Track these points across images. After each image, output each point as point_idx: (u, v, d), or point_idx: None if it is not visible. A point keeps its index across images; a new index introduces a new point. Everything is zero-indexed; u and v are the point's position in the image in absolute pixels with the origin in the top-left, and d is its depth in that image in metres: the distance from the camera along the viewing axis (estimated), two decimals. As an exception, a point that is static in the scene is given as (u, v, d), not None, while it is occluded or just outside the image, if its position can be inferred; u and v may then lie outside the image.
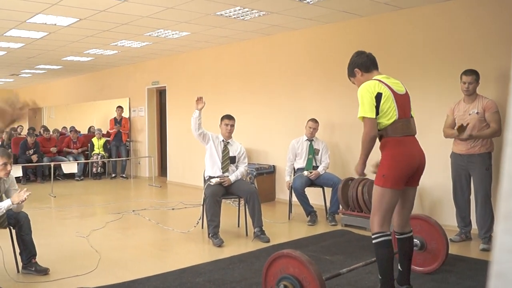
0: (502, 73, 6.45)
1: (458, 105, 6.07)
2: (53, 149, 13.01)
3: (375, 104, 3.79)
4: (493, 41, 6.50)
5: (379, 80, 3.91)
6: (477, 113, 5.86)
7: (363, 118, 3.83)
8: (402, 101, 3.93)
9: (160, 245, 6.38)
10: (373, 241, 3.86)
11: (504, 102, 6.37)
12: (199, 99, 6.45)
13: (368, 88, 3.83)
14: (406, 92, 4.05)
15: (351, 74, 4.16)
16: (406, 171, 3.84)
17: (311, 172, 7.57)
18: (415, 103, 7.15)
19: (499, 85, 6.50)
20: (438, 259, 4.76)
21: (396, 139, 3.82)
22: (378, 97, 3.80)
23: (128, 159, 13.54)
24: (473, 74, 5.89)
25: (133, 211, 8.31)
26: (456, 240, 6.07)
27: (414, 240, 4.60)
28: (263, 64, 9.82)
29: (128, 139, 13.53)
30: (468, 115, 5.92)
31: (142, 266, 5.27)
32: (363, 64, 4.07)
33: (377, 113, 3.83)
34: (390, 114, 3.83)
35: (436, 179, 6.67)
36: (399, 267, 4.17)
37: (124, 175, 13.35)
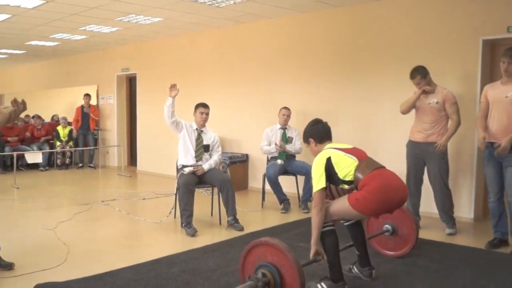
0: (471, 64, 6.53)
1: (424, 96, 6.11)
2: (13, 139, 12.43)
3: (324, 173, 3.89)
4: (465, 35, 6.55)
5: (327, 148, 4.07)
6: (437, 102, 6.03)
7: (314, 194, 3.91)
8: (353, 151, 4.05)
9: (132, 236, 6.26)
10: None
11: (470, 93, 6.49)
12: (173, 86, 6.32)
13: (318, 162, 3.97)
14: (354, 147, 4.15)
15: (305, 141, 4.32)
16: (385, 207, 3.85)
17: (284, 161, 7.53)
18: (391, 93, 7.29)
19: (468, 75, 6.60)
20: (408, 244, 4.92)
21: (371, 175, 3.81)
22: (329, 160, 3.92)
23: (96, 148, 13.28)
24: (417, 74, 6.09)
25: (102, 201, 8.13)
26: None
27: (386, 225, 4.91)
28: (236, 52, 9.70)
29: (96, 128, 13.25)
30: (428, 104, 6.06)
31: (113, 257, 5.14)
32: (317, 134, 4.22)
33: (336, 175, 3.92)
34: (348, 162, 3.92)
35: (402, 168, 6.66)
36: (357, 252, 4.34)
37: (91, 165, 13.11)
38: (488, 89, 5.55)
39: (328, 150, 4.00)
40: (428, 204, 6.56)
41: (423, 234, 5.71)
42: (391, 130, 7.36)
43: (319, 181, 3.87)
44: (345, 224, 4.28)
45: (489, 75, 6.65)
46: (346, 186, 3.95)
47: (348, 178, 3.88)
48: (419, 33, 7.11)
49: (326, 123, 4.25)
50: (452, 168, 6.37)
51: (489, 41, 6.59)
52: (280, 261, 3.43)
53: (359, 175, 3.83)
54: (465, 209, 6.82)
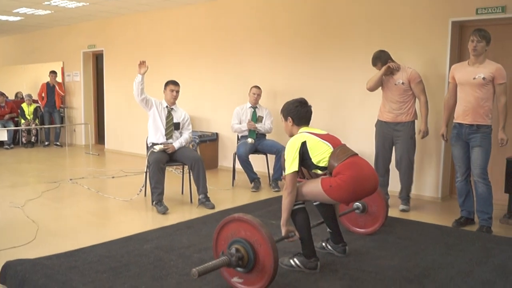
0: (440, 45, 6.61)
1: (391, 75, 6.20)
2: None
3: (298, 156, 3.88)
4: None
5: (302, 132, 4.04)
6: (403, 83, 6.13)
7: (286, 176, 3.92)
8: (327, 137, 4.04)
9: (102, 214, 6.21)
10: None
11: (439, 74, 6.59)
12: (142, 63, 6.25)
13: (292, 144, 3.94)
14: (328, 133, 4.15)
15: (284, 117, 4.21)
16: (357, 195, 3.92)
17: (254, 140, 7.54)
18: (360, 73, 7.35)
19: (437, 56, 6.67)
20: (378, 221, 5.01)
21: (345, 163, 3.84)
22: (304, 144, 3.91)
23: (62, 126, 13.09)
24: (378, 62, 6.23)
25: (71, 179, 8.05)
26: None
27: (357, 203, 4.98)
28: (206, 30, 9.63)
29: (62, 105, 13.05)
30: (394, 85, 6.17)
31: (84, 235, 5.11)
32: (298, 116, 4.12)
33: (310, 160, 3.92)
34: (322, 148, 3.92)
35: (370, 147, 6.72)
36: (328, 229, 4.39)
37: (58, 143, 12.93)
38: (454, 70, 5.62)
39: (303, 134, 3.98)
40: (393, 183, 6.65)
41: (392, 213, 5.84)
42: (360, 110, 7.43)
43: (292, 164, 3.88)
44: (315, 203, 4.31)
45: (458, 57, 6.74)
46: (319, 172, 3.97)
47: (321, 164, 3.90)
48: (389, 14, 7.15)
49: (310, 107, 4.19)
50: (420, 149, 6.48)
51: (457, 22, 6.67)
52: (253, 236, 3.45)
53: (334, 163, 3.85)
54: (432, 189, 6.94)
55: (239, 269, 3.49)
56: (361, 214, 5.05)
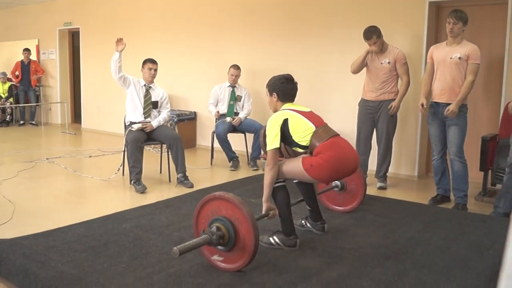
0: (417, 26, 6.65)
1: (371, 55, 6.23)
2: None
3: (279, 133, 3.89)
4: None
5: (285, 109, 4.04)
6: (389, 62, 6.20)
7: (268, 151, 3.93)
8: (310, 115, 4.04)
9: (80, 193, 6.18)
10: None
11: (416, 54, 6.63)
12: (119, 40, 6.19)
13: (275, 121, 3.93)
14: (311, 110, 4.15)
15: (269, 91, 4.18)
16: (338, 174, 3.95)
17: (233, 118, 7.53)
18: (339, 52, 7.37)
19: (414, 37, 6.71)
20: (356, 199, 5.07)
21: (327, 143, 3.86)
22: (285, 122, 3.91)
23: (38, 105, 12.92)
24: (372, 35, 6.16)
25: (47, 159, 7.97)
26: None
27: (335, 181, 4.98)
28: (185, 8, 9.54)
29: (37, 84, 12.87)
30: (380, 64, 6.21)
31: (62, 214, 5.07)
32: (283, 93, 4.10)
33: (291, 137, 3.92)
34: (305, 126, 3.92)
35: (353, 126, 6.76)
36: (308, 207, 4.42)
37: (33, 122, 12.78)
38: (433, 50, 5.67)
39: (286, 111, 3.98)
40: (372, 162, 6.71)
41: (370, 191, 5.93)
42: (339, 88, 7.45)
43: (273, 141, 3.88)
44: (294, 181, 4.33)
45: (435, 37, 6.79)
46: (299, 150, 3.99)
47: (303, 143, 3.91)
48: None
49: (296, 84, 4.17)
50: (397, 127, 6.53)
51: (434, 3, 6.71)
52: (234, 214, 3.46)
53: (315, 142, 3.86)
54: (409, 167, 7.02)
55: (219, 247, 3.50)
56: (339, 192, 5.09)
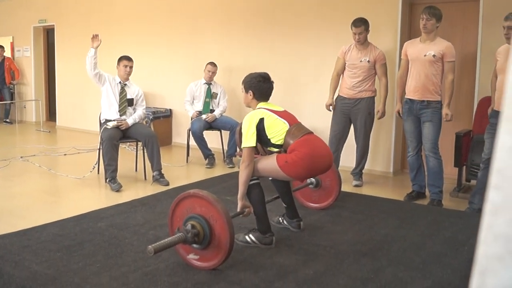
0: (391, 22, 6.69)
1: (350, 51, 6.26)
2: None
3: (255, 132, 3.90)
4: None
5: (261, 108, 4.06)
6: (368, 61, 6.18)
7: (243, 149, 3.93)
8: (285, 114, 4.07)
9: (55, 192, 6.13)
10: None
11: (390, 51, 6.66)
12: (95, 37, 6.14)
13: (251, 119, 3.95)
14: (285, 110, 4.18)
15: (245, 88, 4.18)
16: (312, 172, 3.99)
17: (208, 116, 7.50)
18: (315, 50, 7.39)
19: (388, 33, 6.76)
20: (332, 195, 5.08)
21: (300, 141, 3.88)
22: (261, 121, 3.93)
23: (12, 103, 12.74)
24: (362, 24, 6.13)
25: (21, 157, 7.86)
26: None
27: (310, 178, 4.99)
28: (160, 4, 9.47)
29: (12, 81, 12.69)
30: (359, 62, 6.19)
31: (37, 214, 5.00)
32: (260, 91, 4.12)
33: (266, 137, 3.95)
34: (279, 126, 3.95)
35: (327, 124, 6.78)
36: (284, 204, 4.44)
37: (8, 120, 12.58)
38: (407, 46, 5.70)
39: (262, 110, 4.00)
40: (346, 160, 6.73)
41: (346, 188, 5.96)
42: (314, 86, 7.46)
43: (249, 139, 3.89)
44: (270, 178, 4.34)
45: (408, 34, 6.83)
46: (274, 149, 4.02)
47: (278, 142, 3.94)
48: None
49: (272, 83, 4.20)
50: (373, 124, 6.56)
51: (407, 0, 6.75)
52: (209, 212, 3.45)
53: (289, 140, 3.88)
54: (384, 164, 7.06)
55: (195, 245, 3.49)
56: (314, 189, 5.11)
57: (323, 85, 7.04)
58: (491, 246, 0.62)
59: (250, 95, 4.13)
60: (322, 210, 5.04)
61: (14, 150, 8.63)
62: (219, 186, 5.98)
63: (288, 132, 3.91)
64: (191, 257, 3.55)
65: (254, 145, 3.91)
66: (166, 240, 3.38)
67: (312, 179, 5.03)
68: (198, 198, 3.52)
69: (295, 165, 3.80)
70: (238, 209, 3.96)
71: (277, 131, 3.92)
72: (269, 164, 3.91)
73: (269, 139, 3.94)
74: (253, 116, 3.95)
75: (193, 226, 3.45)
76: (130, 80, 6.59)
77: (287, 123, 3.96)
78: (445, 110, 5.40)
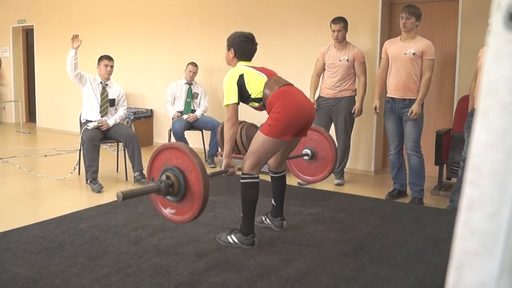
0: (371, 22, 6.72)
1: (329, 51, 6.28)
2: None
3: (237, 88, 3.91)
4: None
5: (239, 66, 4.08)
6: (347, 60, 6.20)
7: (227, 106, 3.94)
8: (263, 69, 4.08)
9: (35, 193, 6.07)
10: (241, 181, 3.98)
11: (370, 50, 6.70)
12: (75, 37, 6.09)
13: (231, 77, 3.97)
14: (263, 66, 4.18)
15: (227, 46, 4.23)
16: (296, 123, 3.90)
17: (189, 116, 7.49)
18: (297, 48, 7.39)
19: (368, 33, 6.80)
20: (327, 167, 4.96)
21: (278, 92, 3.88)
22: (241, 77, 3.93)
23: (-9, 104, 12.63)
24: (341, 21, 6.16)
25: (1, 159, 7.77)
26: (304, 184, 6.24)
27: (306, 150, 4.89)
28: (141, 5, 9.42)
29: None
30: (339, 61, 6.21)
31: (17, 215, 4.95)
32: (242, 51, 4.15)
33: (247, 92, 3.95)
34: (258, 79, 3.95)
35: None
36: (273, 202, 4.43)
37: (-13, 121, 12.49)
38: (387, 45, 5.73)
39: (241, 67, 4.02)
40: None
41: (327, 186, 6.05)
42: (297, 86, 7.44)
43: (232, 96, 3.91)
44: (271, 175, 4.37)
45: (388, 34, 6.87)
46: (256, 104, 4.02)
47: (258, 96, 3.95)
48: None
49: (256, 45, 4.22)
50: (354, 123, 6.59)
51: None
52: (184, 163, 3.35)
53: (267, 91, 3.90)
54: (366, 162, 7.09)
55: (169, 197, 3.43)
56: (310, 162, 5.01)
57: (305, 85, 7.04)
58: (468, 241, 0.62)
59: (232, 53, 4.16)
60: (306, 208, 5.04)
61: (-7, 152, 8.54)
62: (201, 186, 5.95)
63: (266, 84, 3.92)
64: (168, 211, 3.50)
65: (237, 101, 3.93)
66: (139, 188, 3.33)
67: (307, 151, 4.94)
68: (174, 150, 3.44)
69: (278, 122, 3.79)
70: (222, 168, 3.97)
71: (256, 85, 3.93)
72: (258, 140, 3.90)
73: (250, 94, 3.95)
74: (233, 74, 3.98)
75: (167, 177, 3.36)
76: (111, 80, 6.55)
77: (265, 76, 3.97)
78: (414, 107, 5.40)
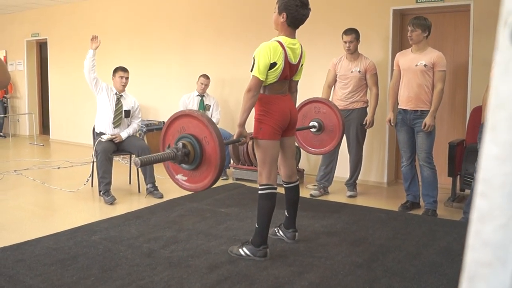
0: (382, 33, 6.72)
1: (340, 62, 6.27)
2: None
3: (268, 66, 3.77)
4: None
5: (282, 46, 3.85)
6: (359, 71, 6.19)
7: (252, 76, 3.80)
8: (289, 69, 3.95)
9: (49, 205, 6.10)
10: (259, 192, 3.95)
11: (382, 62, 6.68)
12: (94, 38, 6.19)
13: (268, 52, 3.76)
14: (299, 61, 4.05)
15: (279, 10, 3.90)
16: (280, 123, 3.93)
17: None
18: (306, 58, 7.38)
19: (380, 44, 6.80)
20: (334, 139, 5.00)
21: (268, 97, 3.90)
22: (272, 65, 3.79)
23: (5, 116, 12.72)
24: (352, 33, 6.15)
25: (15, 171, 7.84)
26: (316, 195, 6.32)
27: (313, 122, 4.96)
28: (153, 18, 9.49)
29: (5, 95, 12.68)
30: (350, 72, 6.19)
31: (30, 227, 4.99)
32: (295, 17, 3.87)
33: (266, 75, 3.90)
34: (272, 78, 3.87)
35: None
36: (286, 213, 4.41)
37: (1, 134, 12.55)
38: (399, 57, 5.72)
39: (282, 53, 3.83)
40: (340, 170, 6.73)
41: (340, 198, 6.05)
42: (306, 95, 7.47)
43: (261, 72, 3.75)
44: (285, 186, 4.34)
45: (400, 45, 6.87)
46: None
47: (264, 84, 3.88)
48: (330, 2, 7.25)
49: (309, 11, 3.91)
50: (366, 134, 6.58)
51: (398, 11, 6.81)
52: (202, 133, 3.35)
53: (266, 91, 3.92)
54: (378, 174, 7.06)
55: (184, 165, 3.41)
56: (317, 134, 5.04)
57: (316, 95, 7.05)
58: (480, 252, 0.63)
59: (283, 17, 3.86)
60: (317, 221, 5.02)
61: (7, 164, 8.61)
62: (213, 198, 5.96)
63: (271, 84, 3.87)
64: (179, 177, 3.50)
65: (263, 79, 3.78)
66: (155, 154, 3.32)
67: (315, 123, 4.95)
68: (192, 118, 3.41)
69: (265, 122, 3.85)
70: (235, 137, 3.94)
71: (271, 78, 3.83)
72: (260, 148, 3.92)
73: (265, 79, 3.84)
74: (270, 51, 3.77)
75: (184, 145, 3.35)
76: (126, 92, 6.59)
77: (278, 78, 3.86)
78: (427, 119, 5.39)
